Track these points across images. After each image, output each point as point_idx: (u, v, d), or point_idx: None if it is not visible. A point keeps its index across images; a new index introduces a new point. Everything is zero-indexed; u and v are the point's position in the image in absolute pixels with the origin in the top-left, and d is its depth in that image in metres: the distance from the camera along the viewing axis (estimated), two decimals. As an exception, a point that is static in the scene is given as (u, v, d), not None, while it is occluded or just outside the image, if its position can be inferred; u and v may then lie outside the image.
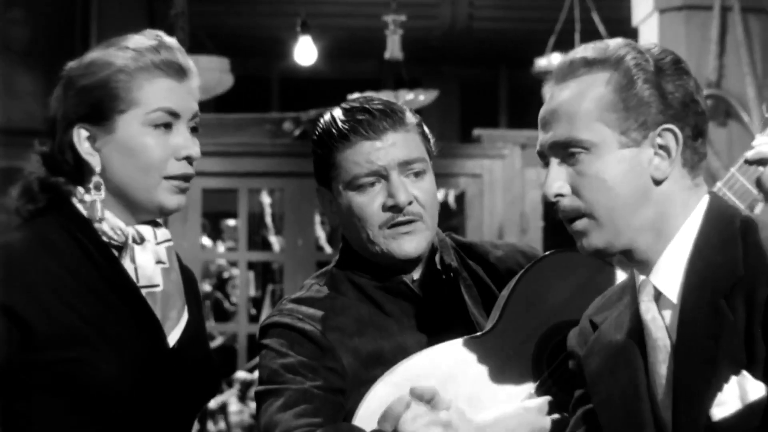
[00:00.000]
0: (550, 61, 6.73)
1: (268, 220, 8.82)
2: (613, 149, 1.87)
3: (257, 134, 7.03)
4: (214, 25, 7.77)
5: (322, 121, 2.35)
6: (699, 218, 1.89)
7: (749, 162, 2.16)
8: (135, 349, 2.15)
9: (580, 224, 1.90)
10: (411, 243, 2.28)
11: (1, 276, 2.08)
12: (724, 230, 1.86)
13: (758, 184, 2.15)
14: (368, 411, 2.18)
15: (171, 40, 2.21)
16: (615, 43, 1.93)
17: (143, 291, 2.18)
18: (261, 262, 8.73)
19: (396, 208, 2.27)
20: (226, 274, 8.65)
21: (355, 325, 2.30)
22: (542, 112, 1.95)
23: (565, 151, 1.89)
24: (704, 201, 1.90)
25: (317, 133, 2.35)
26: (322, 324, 2.28)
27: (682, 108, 1.88)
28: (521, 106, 8.09)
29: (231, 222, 9.11)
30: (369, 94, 6.91)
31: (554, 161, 1.91)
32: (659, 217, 1.88)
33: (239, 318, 7.06)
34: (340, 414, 2.22)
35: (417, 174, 2.30)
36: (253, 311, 8.00)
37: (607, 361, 1.95)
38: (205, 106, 7.15)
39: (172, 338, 2.21)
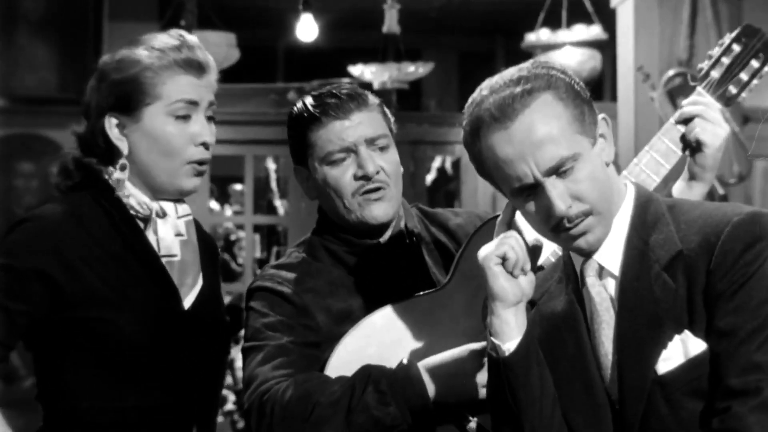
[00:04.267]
0: (539, 36, 6.85)
1: (273, 185, 8.85)
2: (589, 150, 2.02)
3: (262, 104, 7.15)
4: (221, -2, 7.85)
5: (295, 108, 2.58)
6: (631, 203, 2.10)
7: (676, 122, 2.42)
8: (153, 311, 2.37)
9: (586, 223, 2.02)
10: (380, 209, 2.51)
11: (36, 243, 2.32)
12: (655, 212, 2.08)
13: (683, 140, 2.41)
14: (338, 361, 2.43)
15: (192, 39, 2.43)
16: (530, 68, 2.06)
17: (163, 260, 2.41)
18: (266, 225, 8.81)
19: (366, 177, 2.50)
20: (233, 237, 8.74)
21: (327, 287, 2.53)
22: (512, 149, 2.00)
23: (557, 170, 1.99)
24: (632, 188, 2.12)
25: (292, 117, 2.57)
26: (299, 286, 2.52)
27: (590, 100, 2.09)
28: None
29: (238, 187, 9.17)
30: (362, 74, 7.07)
31: (550, 181, 1.99)
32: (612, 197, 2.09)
33: (245, 278, 7.17)
34: (315, 365, 2.44)
35: (382, 148, 2.54)
36: (259, 272, 8.04)
37: (551, 329, 2.13)
38: (213, 76, 7.22)
39: (187, 302, 2.43)
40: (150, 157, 2.40)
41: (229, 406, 6.66)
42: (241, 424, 6.68)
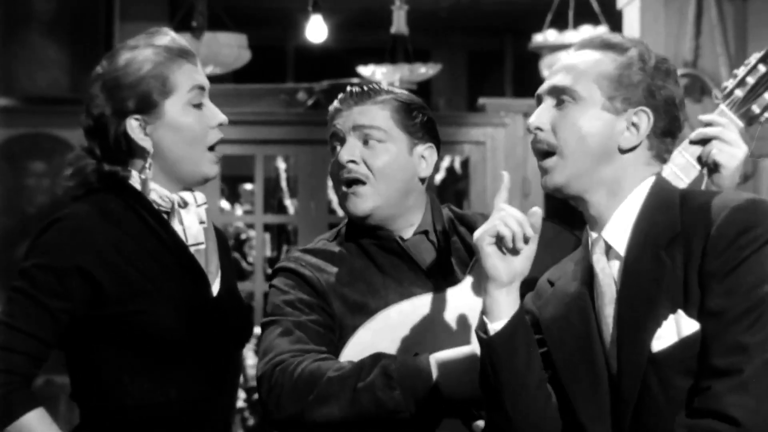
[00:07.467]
0: (546, 37, 6.85)
1: (284, 184, 8.87)
2: (596, 107, 2.15)
3: (273, 104, 7.16)
4: (231, -2, 7.89)
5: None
6: (647, 188, 2.17)
7: (693, 142, 2.48)
8: (186, 300, 2.43)
9: (550, 161, 2.16)
10: (352, 203, 2.57)
11: (73, 241, 2.37)
12: (666, 198, 2.16)
13: (699, 160, 2.47)
14: (352, 353, 2.48)
15: (175, 34, 2.53)
16: (630, 38, 2.24)
17: (191, 249, 2.48)
18: (276, 225, 8.81)
19: (338, 165, 2.57)
20: (243, 236, 8.71)
21: (347, 276, 2.58)
22: (555, 66, 2.24)
23: (558, 96, 2.17)
24: (652, 177, 2.19)
25: None
26: (320, 272, 2.58)
27: (663, 104, 2.17)
28: (526, 74, 8.19)
29: (248, 186, 9.19)
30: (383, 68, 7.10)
31: (547, 101, 2.19)
32: (615, 179, 2.16)
33: (256, 277, 7.19)
34: (330, 348, 2.51)
35: (376, 140, 2.57)
36: (269, 271, 7.78)
37: (562, 308, 2.20)
38: (223, 77, 7.28)
39: (214, 288, 2.51)
40: (175, 150, 2.46)
41: (240, 403, 6.68)
42: (251, 422, 6.70)
